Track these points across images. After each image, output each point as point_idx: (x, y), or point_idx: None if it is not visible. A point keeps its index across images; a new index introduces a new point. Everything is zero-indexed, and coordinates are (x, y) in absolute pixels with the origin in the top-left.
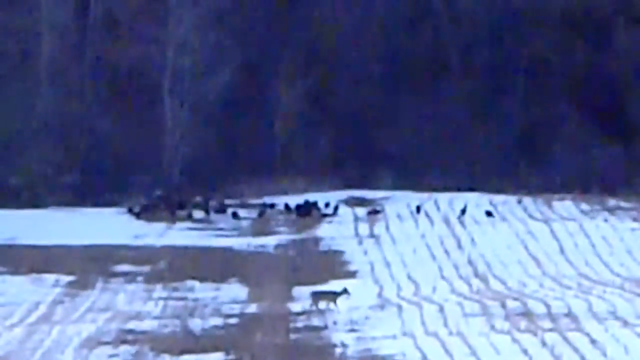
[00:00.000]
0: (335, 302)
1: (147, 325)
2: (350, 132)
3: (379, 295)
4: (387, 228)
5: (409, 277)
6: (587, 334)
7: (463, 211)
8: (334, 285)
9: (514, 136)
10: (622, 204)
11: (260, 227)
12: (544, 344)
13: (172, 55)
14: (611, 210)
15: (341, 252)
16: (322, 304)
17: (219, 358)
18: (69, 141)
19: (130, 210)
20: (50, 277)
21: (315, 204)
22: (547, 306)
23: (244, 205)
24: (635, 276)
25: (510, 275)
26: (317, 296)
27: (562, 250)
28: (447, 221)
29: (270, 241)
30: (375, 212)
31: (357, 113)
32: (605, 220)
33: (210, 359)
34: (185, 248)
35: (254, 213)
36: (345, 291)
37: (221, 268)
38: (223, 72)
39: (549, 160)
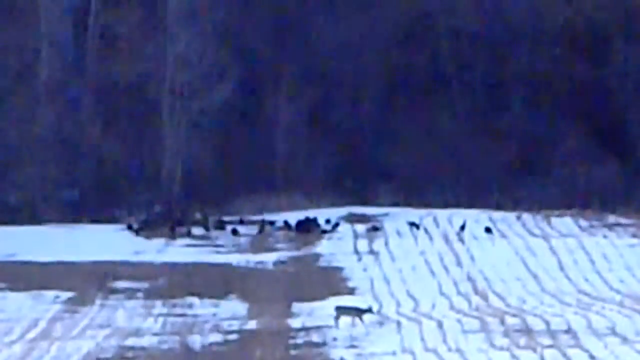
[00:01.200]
0: (360, 318)
1: (146, 341)
2: (349, 149)
3: (378, 311)
4: (387, 244)
5: (408, 294)
6: (587, 351)
7: (462, 227)
8: (357, 302)
9: (513, 152)
10: (622, 220)
11: (260, 244)
12: None
13: (171, 72)
14: (610, 227)
15: (340, 269)
16: (347, 320)
17: None
18: (68, 158)
19: (129, 227)
20: (49, 294)
21: (315, 220)
22: (547, 323)
23: (243, 222)
24: (634, 292)
25: (509, 291)
26: (340, 311)
27: (561, 267)
28: (446, 238)
29: (269, 258)
30: (375, 229)
31: (357, 129)
32: (605, 237)
33: None
34: (185, 264)
35: (253, 230)
36: (370, 310)
37: (221, 284)
38: (222, 89)
39: (548, 177)
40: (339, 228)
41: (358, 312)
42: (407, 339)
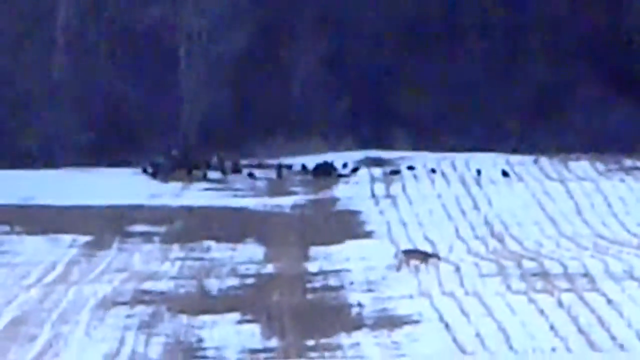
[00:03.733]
0: (425, 262)
1: (163, 285)
2: (366, 93)
3: (396, 255)
4: (404, 188)
5: (426, 238)
6: (604, 294)
7: (478, 172)
8: (422, 247)
9: (530, 96)
10: (639, 163)
11: (277, 188)
12: (560, 304)
13: (188, 17)
14: (627, 170)
15: (358, 212)
16: (414, 263)
17: (236, 318)
18: (85, 102)
19: (145, 171)
20: (66, 238)
21: (332, 164)
22: (564, 266)
23: (260, 166)
24: None
25: (526, 235)
26: (408, 254)
27: (578, 211)
28: (463, 181)
29: (286, 201)
30: (395, 172)
31: (374, 74)
32: (622, 180)
33: (227, 319)
34: (202, 208)
35: (270, 173)
36: (436, 255)
37: (237, 228)
38: (239, 34)
39: (565, 120)
40: (351, 172)
41: (424, 255)
42: (424, 282)
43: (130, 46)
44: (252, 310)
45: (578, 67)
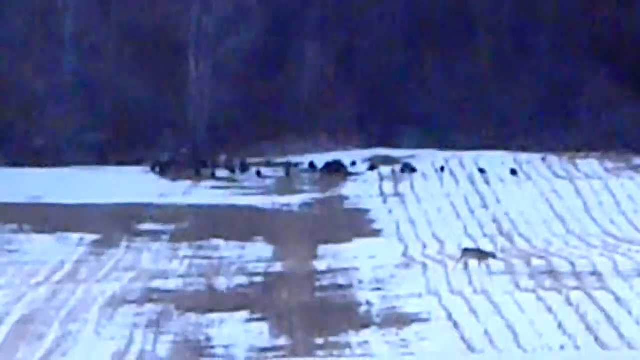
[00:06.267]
0: (483, 260)
1: (172, 284)
2: (375, 91)
3: (404, 253)
4: (412, 187)
5: (434, 236)
6: (612, 292)
7: (481, 170)
8: (481, 245)
9: (539, 94)
10: None
11: (285, 186)
12: (568, 302)
13: (197, 14)
14: (636, 168)
15: (366, 211)
16: (472, 261)
17: (244, 316)
18: (93, 100)
19: (154, 169)
20: (75, 236)
21: (340, 162)
22: (572, 264)
23: (268, 164)
24: None
25: (535, 233)
26: (467, 253)
27: (586, 209)
28: (472, 180)
29: (295, 200)
30: (410, 170)
31: (382, 72)
32: (630, 178)
33: (236, 317)
34: (210, 207)
35: (278, 172)
36: (493, 255)
37: (246, 227)
38: (248, 31)
39: (573, 119)
40: (365, 170)
41: (482, 255)
42: (432, 281)
43: (138, 45)
44: (260, 309)
45: (586, 66)
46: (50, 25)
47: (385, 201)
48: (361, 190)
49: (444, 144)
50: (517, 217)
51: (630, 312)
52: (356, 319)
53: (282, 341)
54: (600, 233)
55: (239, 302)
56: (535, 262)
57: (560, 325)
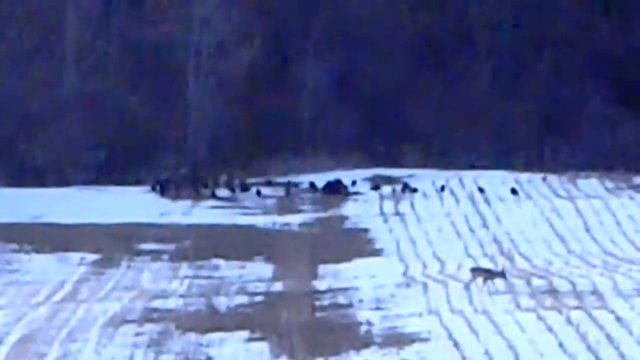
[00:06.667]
0: (492, 280)
1: (172, 303)
2: (376, 110)
3: (404, 273)
4: (413, 206)
5: (434, 255)
6: (613, 312)
7: (481, 190)
8: (487, 265)
9: (539, 114)
10: None
11: (285, 205)
12: (569, 321)
13: (197, 33)
14: (636, 188)
15: (366, 230)
16: (480, 281)
17: (245, 336)
18: (94, 119)
19: (154, 189)
20: (75, 256)
21: (341, 182)
22: (573, 284)
23: (269, 184)
24: None
25: (535, 253)
26: (475, 272)
27: (587, 228)
28: (472, 199)
29: (295, 219)
30: (411, 190)
31: (383, 90)
32: (631, 198)
33: (236, 337)
34: (210, 226)
35: (279, 191)
36: (502, 274)
37: (246, 246)
38: (248, 50)
39: (574, 138)
40: (364, 189)
41: (490, 274)
42: (433, 300)
43: (139, 63)
44: (261, 328)
45: (587, 85)
46: (51, 44)
47: (385, 221)
48: (361, 209)
49: (444, 164)
50: (518, 237)
51: (630, 332)
52: (356, 338)
53: None
54: (601, 253)
55: (240, 321)
56: (536, 281)
57: (560, 345)
